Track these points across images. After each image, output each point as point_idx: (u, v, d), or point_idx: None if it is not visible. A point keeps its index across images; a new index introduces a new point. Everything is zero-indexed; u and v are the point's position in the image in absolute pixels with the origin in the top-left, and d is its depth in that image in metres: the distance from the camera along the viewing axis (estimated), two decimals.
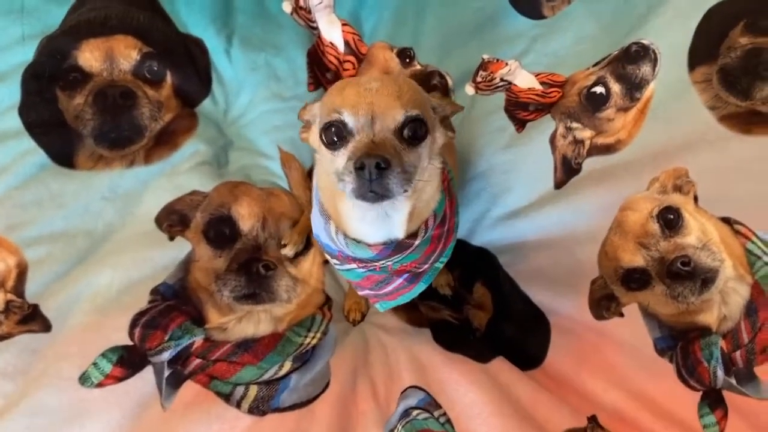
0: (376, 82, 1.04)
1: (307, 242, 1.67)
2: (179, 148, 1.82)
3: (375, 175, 0.96)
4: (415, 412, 1.41)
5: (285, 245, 1.61)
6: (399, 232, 1.17)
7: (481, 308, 1.71)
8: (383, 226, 1.16)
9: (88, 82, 1.78)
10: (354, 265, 1.27)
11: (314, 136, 1.13)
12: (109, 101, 1.76)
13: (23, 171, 1.66)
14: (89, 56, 1.80)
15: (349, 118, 1.01)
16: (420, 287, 1.38)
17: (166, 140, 1.83)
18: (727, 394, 1.30)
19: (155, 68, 1.87)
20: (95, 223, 1.66)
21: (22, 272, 1.56)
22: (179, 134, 1.86)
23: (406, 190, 1.03)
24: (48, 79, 1.77)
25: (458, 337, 1.63)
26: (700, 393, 1.33)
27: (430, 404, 1.43)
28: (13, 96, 1.73)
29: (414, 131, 1.04)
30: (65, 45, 1.79)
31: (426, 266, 1.32)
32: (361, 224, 1.16)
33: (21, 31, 1.81)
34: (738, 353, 1.31)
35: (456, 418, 1.41)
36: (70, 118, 1.75)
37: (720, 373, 1.29)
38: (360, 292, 1.43)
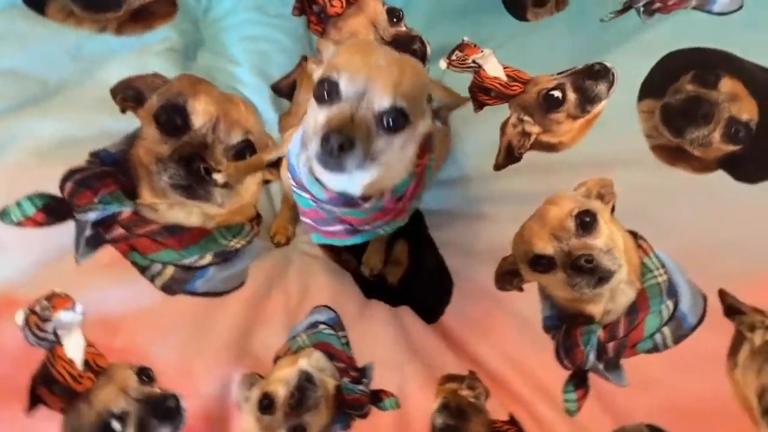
0: (385, 60, 1.04)
1: None
2: (153, 30, 1.82)
3: (336, 154, 1.00)
4: (321, 327, 1.49)
5: (219, 171, 1.61)
6: (355, 190, 1.24)
7: (397, 264, 1.81)
8: (341, 180, 1.22)
9: None
10: (307, 196, 1.33)
11: (315, 76, 1.14)
12: None
13: None
14: None
15: (343, 84, 1.03)
16: (356, 240, 1.47)
17: (141, 19, 1.82)
18: (592, 377, 1.45)
19: None
20: (52, 74, 1.63)
21: None
22: (156, 18, 1.85)
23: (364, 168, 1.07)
24: None
25: (374, 288, 1.73)
26: (569, 372, 1.48)
27: (337, 324, 1.52)
28: None
29: (394, 121, 1.05)
30: None
31: (368, 227, 1.41)
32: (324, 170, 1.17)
33: None
34: (611, 344, 1.46)
35: (354, 343, 1.51)
36: None
37: (592, 356, 1.45)
38: (302, 218, 1.51)
